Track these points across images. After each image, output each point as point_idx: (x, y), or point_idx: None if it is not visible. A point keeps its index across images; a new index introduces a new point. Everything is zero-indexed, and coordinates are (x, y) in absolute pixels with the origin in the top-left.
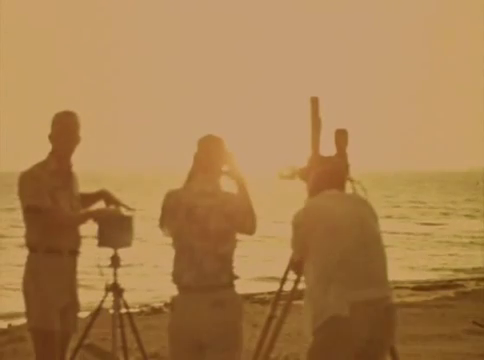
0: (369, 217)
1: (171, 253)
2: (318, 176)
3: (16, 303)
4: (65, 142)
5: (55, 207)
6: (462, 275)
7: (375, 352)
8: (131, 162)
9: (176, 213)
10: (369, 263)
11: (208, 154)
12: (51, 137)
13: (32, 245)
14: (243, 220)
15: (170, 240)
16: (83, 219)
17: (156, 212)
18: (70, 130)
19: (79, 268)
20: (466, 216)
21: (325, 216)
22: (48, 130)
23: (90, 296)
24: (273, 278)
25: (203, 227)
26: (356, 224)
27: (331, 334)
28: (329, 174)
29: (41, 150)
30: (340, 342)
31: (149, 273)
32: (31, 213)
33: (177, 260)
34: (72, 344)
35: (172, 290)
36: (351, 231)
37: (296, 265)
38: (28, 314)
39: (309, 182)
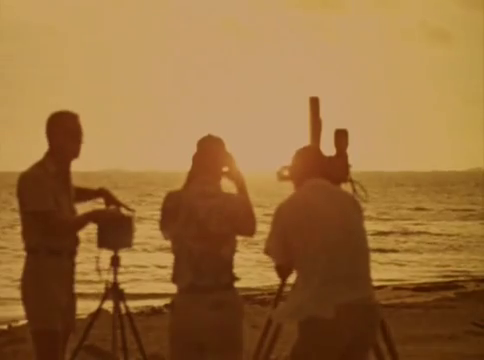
0: (353, 212)
1: (171, 254)
2: (296, 168)
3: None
4: (73, 145)
5: (59, 211)
6: (462, 276)
7: (358, 351)
8: (132, 163)
9: (176, 215)
10: (353, 262)
11: (208, 155)
12: (55, 138)
13: (32, 247)
14: (244, 222)
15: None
16: (85, 222)
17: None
18: (78, 132)
19: (80, 270)
20: (466, 217)
21: (308, 211)
22: (36, 130)
23: (90, 297)
24: (272, 279)
25: (204, 229)
26: (340, 220)
27: (315, 336)
28: (306, 163)
29: (23, 150)
30: (324, 344)
31: (149, 274)
32: (37, 218)
33: (177, 261)
34: (72, 345)
35: (172, 291)
36: (335, 228)
37: (281, 269)
38: (30, 316)
39: (291, 177)
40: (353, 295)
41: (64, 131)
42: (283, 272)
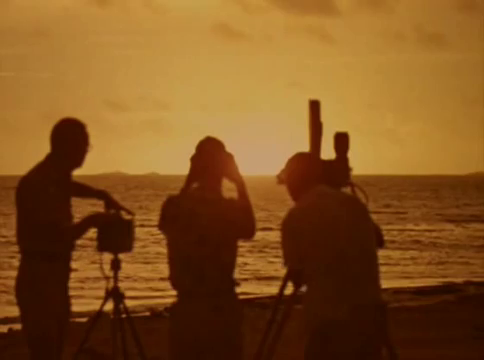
0: (360, 215)
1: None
2: (294, 175)
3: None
4: (79, 155)
5: (61, 219)
6: (462, 280)
7: (370, 351)
8: (131, 165)
9: (177, 220)
10: (364, 264)
11: (207, 157)
12: (61, 146)
13: (28, 251)
14: (244, 227)
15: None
16: (87, 227)
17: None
18: (86, 143)
19: (82, 273)
20: (465, 220)
21: (320, 217)
22: (32, 132)
23: (90, 300)
24: (273, 282)
25: (204, 235)
26: (350, 224)
27: (329, 338)
28: (304, 170)
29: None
30: (338, 349)
31: (150, 277)
32: (45, 229)
33: (177, 266)
34: (72, 348)
35: (172, 294)
36: (346, 232)
37: (296, 275)
38: (26, 321)
39: (287, 185)
40: (365, 297)
41: (73, 140)
42: (297, 278)
